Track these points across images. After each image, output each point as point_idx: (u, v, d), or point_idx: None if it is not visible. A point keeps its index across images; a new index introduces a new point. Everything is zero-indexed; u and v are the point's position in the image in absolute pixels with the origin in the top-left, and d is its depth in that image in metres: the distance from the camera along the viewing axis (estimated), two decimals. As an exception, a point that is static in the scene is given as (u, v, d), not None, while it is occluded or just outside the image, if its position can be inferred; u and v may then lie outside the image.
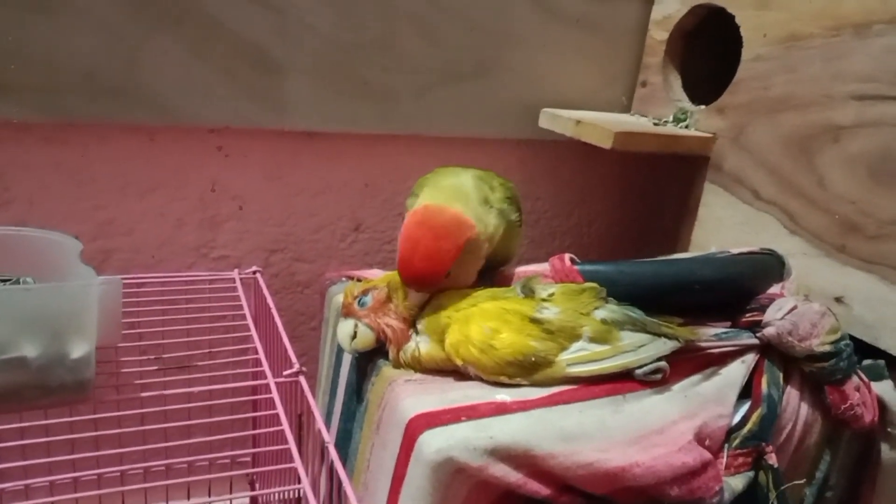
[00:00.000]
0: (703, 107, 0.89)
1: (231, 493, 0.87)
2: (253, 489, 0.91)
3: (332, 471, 0.56)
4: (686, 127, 0.89)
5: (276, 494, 0.76)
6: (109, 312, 0.58)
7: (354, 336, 0.61)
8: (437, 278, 0.61)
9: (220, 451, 0.59)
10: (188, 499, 0.82)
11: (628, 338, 0.60)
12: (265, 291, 0.78)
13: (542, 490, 0.52)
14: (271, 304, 0.75)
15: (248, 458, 0.88)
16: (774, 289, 0.69)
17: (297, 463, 0.54)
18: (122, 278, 0.76)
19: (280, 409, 0.59)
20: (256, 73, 0.81)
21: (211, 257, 0.89)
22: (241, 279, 0.81)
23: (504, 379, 0.58)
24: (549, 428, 0.53)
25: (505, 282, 0.68)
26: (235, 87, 0.81)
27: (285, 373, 0.63)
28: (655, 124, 0.91)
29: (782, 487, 0.59)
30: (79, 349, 0.57)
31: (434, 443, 0.50)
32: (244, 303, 0.76)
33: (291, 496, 0.69)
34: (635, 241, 1.11)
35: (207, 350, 0.68)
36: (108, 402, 0.61)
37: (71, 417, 0.57)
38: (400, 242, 0.62)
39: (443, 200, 0.63)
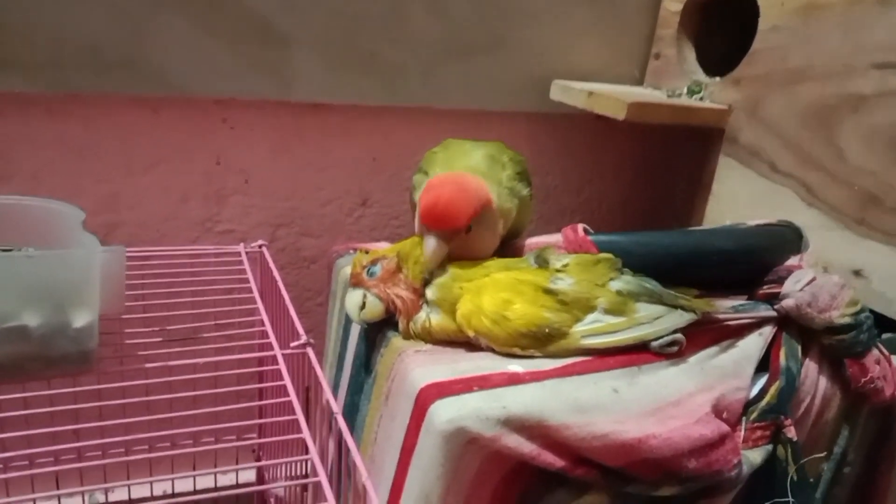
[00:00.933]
0: (717, 79, 0.87)
1: (237, 464, 0.87)
2: (258, 461, 0.90)
3: (339, 443, 0.55)
4: (700, 99, 0.87)
5: (283, 466, 0.75)
6: (112, 281, 0.57)
7: (363, 307, 0.60)
8: (459, 223, 0.59)
9: (226, 423, 0.58)
10: (193, 470, 0.81)
11: (644, 309, 0.58)
12: (271, 265, 0.77)
13: (556, 462, 0.50)
14: (277, 278, 0.74)
15: (254, 430, 0.87)
16: (792, 261, 0.67)
17: (306, 433, 0.53)
18: (126, 250, 0.75)
19: (287, 380, 0.58)
20: (262, 45, 0.79)
21: (216, 231, 0.88)
22: (246, 253, 0.79)
23: (517, 350, 0.57)
24: (563, 399, 0.52)
25: (517, 254, 0.66)
26: (241, 58, 0.79)
27: (292, 344, 0.62)
28: (669, 96, 0.89)
29: (802, 461, 0.57)
30: (81, 319, 0.55)
31: (445, 412, 0.49)
32: (250, 276, 0.75)
33: (299, 470, 0.68)
34: (647, 218, 1.09)
35: (213, 322, 0.67)
36: (112, 374, 0.60)
37: (75, 388, 0.56)
38: (423, 195, 0.60)
39: None
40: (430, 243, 0.59)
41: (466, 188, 0.60)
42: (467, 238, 0.61)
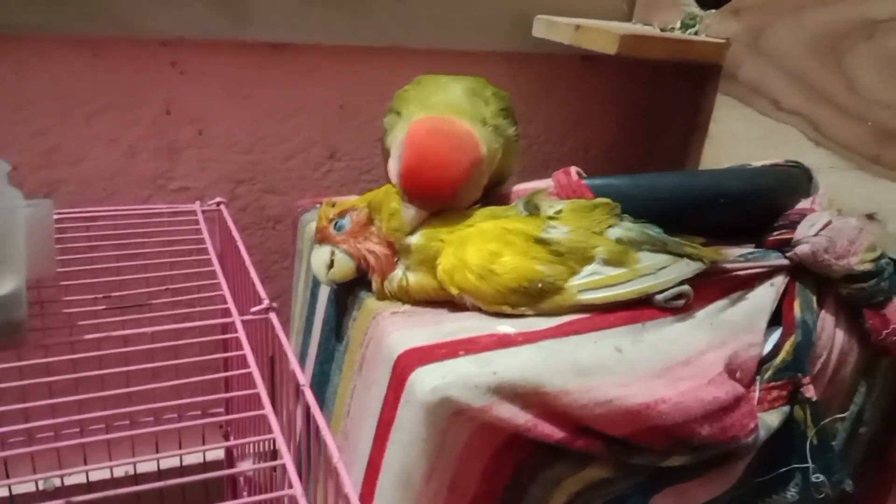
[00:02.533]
0: (713, 11, 0.80)
1: (204, 443, 0.80)
2: (227, 439, 0.84)
3: (308, 418, 0.48)
4: (695, 34, 0.80)
5: (252, 444, 0.69)
6: (40, 240, 0.49)
7: (331, 265, 0.53)
8: (447, 194, 0.52)
9: (190, 398, 0.51)
10: (156, 451, 0.75)
11: (647, 259, 0.52)
12: (230, 224, 0.70)
13: (554, 433, 0.45)
14: (237, 237, 0.67)
15: (221, 405, 0.81)
16: (803, 204, 0.61)
17: (268, 409, 0.46)
18: (70, 212, 0.68)
19: (247, 350, 0.51)
20: (213, -24, 0.71)
21: (169, 189, 0.80)
22: (203, 212, 0.72)
23: (506, 309, 0.50)
24: (561, 361, 0.46)
25: (502, 202, 0.59)
26: (189, -9, 0.71)
27: (253, 309, 0.55)
28: (662, 31, 0.82)
29: (822, 423, 0.52)
30: (6, 284, 0.48)
31: (428, 381, 0.43)
32: (206, 237, 0.68)
33: (266, 447, 0.62)
34: (637, 166, 1.03)
35: (168, 288, 0.60)
36: (60, 345, 0.53)
37: (20, 362, 0.50)
38: (405, 151, 0.53)
39: None
40: (410, 213, 0.52)
41: (457, 146, 0.53)
42: (453, 202, 0.54)
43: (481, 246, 0.51)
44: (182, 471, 0.78)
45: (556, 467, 0.46)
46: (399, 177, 0.53)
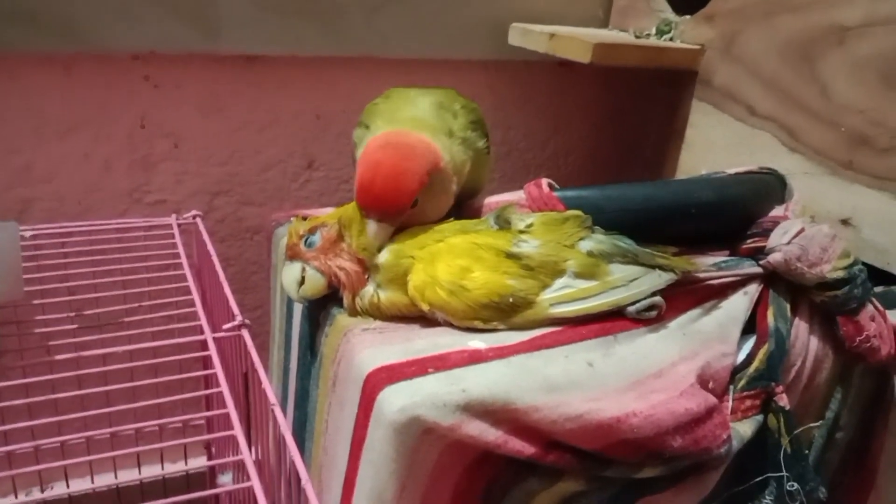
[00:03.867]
0: (688, 17, 0.80)
1: (186, 461, 0.80)
2: (210, 457, 0.83)
3: (279, 437, 0.48)
4: (670, 40, 0.80)
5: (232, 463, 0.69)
6: (7, 263, 0.49)
7: (302, 282, 0.53)
8: (402, 204, 0.52)
9: (170, 415, 0.51)
10: (138, 470, 0.74)
11: (618, 271, 0.52)
12: (205, 237, 0.70)
13: (525, 449, 0.44)
14: (212, 251, 0.67)
15: (203, 422, 0.81)
16: (777, 211, 0.61)
17: (237, 430, 0.46)
18: (45, 228, 0.67)
19: (218, 368, 0.51)
20: (183, -12, 0.71)
21: (146, 203, 0.79)
22: (179, 225, 0.72)
23: (478, 324, 0.50)
24: (531, 376, 0.46)
25: (475, 215, 0.59)
26: (160, 4, 0.70)
27: (225, 326, 0.55)
28: (637, 37, 0.82)
29: (796, 431, 0.52)
30: (-28, 309, 0.48)
31: (396, 400, 0.43)
32: (181, 250, 0.67)
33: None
34: (616, 171, 1.03)
35: (143, 304, 0.61)
36: (38, 365, 0.53)
37: None
38: (359, 167, 0.53)
39: None
40: (371, 228, 0.52)
41: (408, 156, 0.53)
42: (414, 211, 0.54)
43: (451, 261, 0.50)
44: (165, 482, 0.78)
45: (529, 482, 0.46)
46: (355, 195, 0.53)
